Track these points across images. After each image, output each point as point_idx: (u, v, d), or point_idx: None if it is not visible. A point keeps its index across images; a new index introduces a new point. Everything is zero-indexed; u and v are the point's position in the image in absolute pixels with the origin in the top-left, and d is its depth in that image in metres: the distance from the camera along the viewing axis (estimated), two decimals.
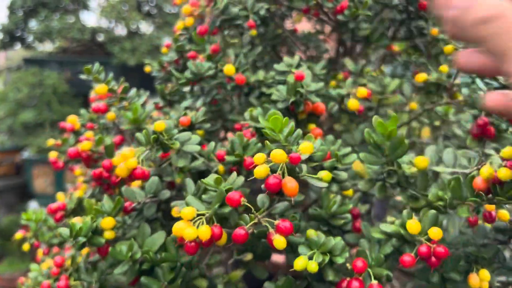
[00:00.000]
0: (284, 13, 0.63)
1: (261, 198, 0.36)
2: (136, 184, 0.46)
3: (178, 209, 0.39)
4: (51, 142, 0.64)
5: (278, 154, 0.31)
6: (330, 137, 0.43)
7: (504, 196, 0.36)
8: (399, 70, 0.71)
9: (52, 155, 0.64)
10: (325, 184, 0.33)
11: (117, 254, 0.39)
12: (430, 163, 0.42)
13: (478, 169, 0.38)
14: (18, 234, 0.66)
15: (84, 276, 0.48)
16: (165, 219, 0.47)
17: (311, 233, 0.33)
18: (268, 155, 0.32)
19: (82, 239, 0.39)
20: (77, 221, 0.41)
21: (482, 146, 0.46)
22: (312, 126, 0.44)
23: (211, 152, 0.44)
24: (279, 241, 0.32)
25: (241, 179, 0.37)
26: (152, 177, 0.44)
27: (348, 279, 0.33)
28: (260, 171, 0.32)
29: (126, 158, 0.39)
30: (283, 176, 0.32)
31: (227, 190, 0.34)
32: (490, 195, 0.37)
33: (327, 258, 0.32)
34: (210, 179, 0.36)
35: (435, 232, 0.34)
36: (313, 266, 0.31)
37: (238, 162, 0.41)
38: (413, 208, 0.40)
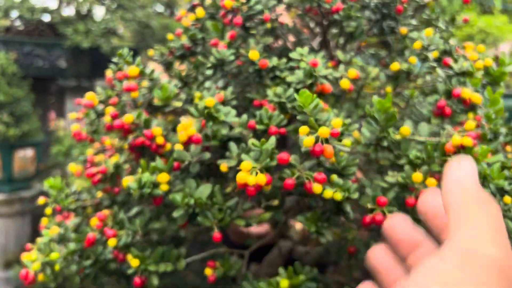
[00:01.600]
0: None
1: (294, 157, 0.48)
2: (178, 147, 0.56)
3: (225, 164, 0.50)
4: (73, 115, 0.71)
5: (325, 131, 0.43)
6: (334, 110, 0.55)
7: None
8: (369, 61, 0.85)
9: (75, 127, 0.71)
10: (347, 148, 0.46)
11: (176, 200, 0.49)
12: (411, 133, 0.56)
13: (447, 138, 0.53)
14: (41, 200, 0.72)
15: (128, 226, 0.57)
16: (204, 177, 0.58)
17: (334, 177, 0.46)
18: (310, 127, 0.44)
19: (147, 190, 0.49)
20: (131, 179, 0.51)
21: (442, 122, 0.61)
22: (321, 102, 0.56)
23: (244, 123, 0.54)
24: (318, 187, 0.44)
25: (273, 140, 0.48)
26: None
27: (369, 215, 0.46)
28: (308, 140, 0.43)
29: (186, 128, 0.49)
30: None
31: (272, 149, 0.45)
32: None
33: (346, 194, 0.45)
34: (255, 141, 0.47)
35: (432, 181, 0.48)
36: (340, 195, 0.44)
37: (266, 130, 0.52)
38: (397, 165, 0.54)
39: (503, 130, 0.71)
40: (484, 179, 0.58)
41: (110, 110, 0.68)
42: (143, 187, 0.49)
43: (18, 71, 2.61)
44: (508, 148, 0.71)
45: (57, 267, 0.65)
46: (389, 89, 0.69)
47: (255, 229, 0.88)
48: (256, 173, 0.44)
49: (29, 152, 2.69)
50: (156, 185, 0.50)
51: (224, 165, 0.49)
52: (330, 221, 0.49)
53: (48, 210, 0.72)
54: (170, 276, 0.60)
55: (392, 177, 0.50)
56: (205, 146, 0.55)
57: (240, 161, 0.45)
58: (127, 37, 3.17)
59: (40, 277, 0.65)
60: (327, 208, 0.49)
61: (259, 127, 0.52)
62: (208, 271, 0.55)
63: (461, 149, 0.51)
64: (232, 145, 0.50)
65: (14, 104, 2.51)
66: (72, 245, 0.65)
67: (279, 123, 0.53)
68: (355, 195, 0.46)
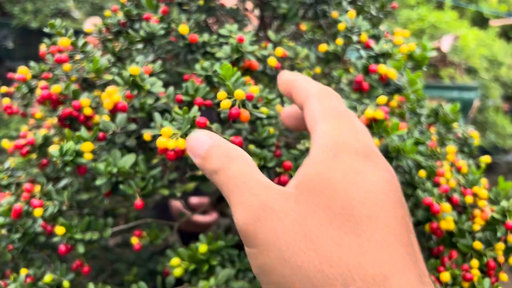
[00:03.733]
0: None
1: (216, 126, 0.50)
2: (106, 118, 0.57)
3: (148, 133, 0.51)
4: (3, 89, 0.70)
5: (240, 93, 0.45)
6: (260, 86, 0.58)
7: (377, 129, 0.54)
8: (309, 46, 0.88)
9: (5, 101, 0.70)
10: (264, 115, 0.48)
11: (99, 168, 0.50)
12: None
13: (362, 112, 0.56)
14: None
15: (55, 197, 0.58)
16: (133, 150, 0.58)
17: (252, 147, 0.48)
18: (229, 93, 0.46)
19: (69, 158, 0.49)
20: (56, 148, 0.51)
21: (360, 97, 0.64)
22: (247, 78, 0.58)
23: (171, 94, 0.56)
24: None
25: (196, 109, 0.49)
26: (120, 114, 0.55)
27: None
28: (225, 103, 0.45)
29: (111, 95, 0.50)
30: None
31: (193, 117, 0.47)
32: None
33: (262, 163, 0.48)
34: (178, 110, 0.48)
35: None
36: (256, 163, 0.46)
37: (191, 101, 0.53)
38: None
39: (424, 111, 0.76)
40: (398, 153, 0.62)
41: (42, 83, 0.67)
42: (65, 155, 0.49)
43: None
44: (432, 129, 0.76)
45: None
46: (318, 70, 0.72)
47: (203, 218, 0.90)
48: (177, 139, 0.45)
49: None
50: (79, 154, 0.51)
51: (147, 134, 0.50)
52: None
53: None
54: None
55: (302, 145, 0.53)
56: (132, 118, 0.56)
57: None
58: (80, 20, 3.08)
59: None
60: None
61: (185, 98, 0.54)
62: (134, 240, 0.56)
63: (373, 122, 0.54)
64: (157, 115, 0.51)
65: None
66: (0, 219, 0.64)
67: (204, 95, 0.55)
68: (271, 163, 0.48)
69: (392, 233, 0.25)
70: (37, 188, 0.61)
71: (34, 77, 0.72)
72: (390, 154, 0.62)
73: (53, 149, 0.50)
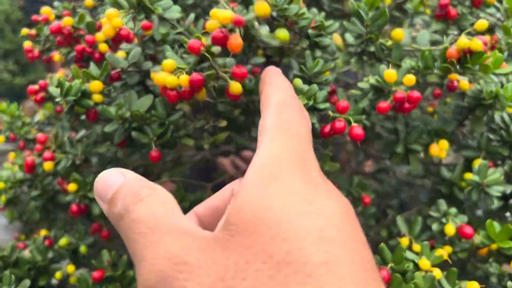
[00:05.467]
0: None
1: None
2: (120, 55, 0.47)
3: (156, 71, 0.40)
4: (25, 31, 0.62)
5: (225, 15, 0.31)
6: (314, 9, 0.45)
7: (473, 64, 0.40)
8: None
9: (27, 44, 0.63)
10: (277, 43, 0.35)
11: (108, 112, 0.40)
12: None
13: (451, 44, 0.42)
14: None
15: (69, 149, 0.50)
16: (148, 91, 0.48)
17: (298, 82, 0.36)
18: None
19: (71, 98, 0.40)
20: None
21: (445, 27, 0.49)
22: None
23: (191, 23, 0.44)
24: (235, 87, 0.33)
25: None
26: (134, 48, 0.45)
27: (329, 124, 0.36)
28: (211, 25, 0.32)
29: (111, 18, 0.39)
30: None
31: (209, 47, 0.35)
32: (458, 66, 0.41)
33: (310, 103, 0.35)
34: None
35: (410, 78, 0.38)
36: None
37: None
38: None
39: None
40: (494, 100, 0.47)
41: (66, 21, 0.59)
42: (67, 95, 0.40)
43: (23, 17, 2.54)
44: None
45: (3, 198, 0.58)
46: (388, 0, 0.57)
47: None
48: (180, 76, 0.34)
49: None
50: (87, 94, 0.42)
51: (154, 73, 0.40)
52: None
53: (1, 138, 0.65)
54: None
55: (365, 82, 0.40)
56: (150, 55, 0.46)
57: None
58: None
59: None
60: None
61: (209, 25, 0.42)
62: None
63: (467, 55, 0.40)
64: (167, 48, 0.40)
65: (19, 52, 2.45)
66: (20, 174, 0.58)
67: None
68: (323, 105, 0.36)
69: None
70: (48, 135, 0.53)
71: (58, 17, 0.64)
72: (484, 101, 0.48)
73: (52, 89, 0.40)
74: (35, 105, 0.78)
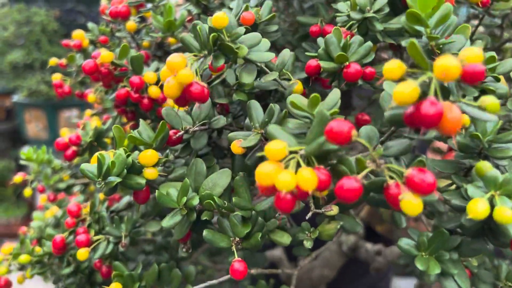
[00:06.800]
0: None
1: (366, 131, 0.24)
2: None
3: (239, 142, 0.27)
4: (53, 61, 0.51)
5: (451, 65, 0.19)
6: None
7: None
8: None
9: (56, 77, 0.51)
10: (493, 118, 0.21)
11: (166, 200, 0.27)
12: None
13: None
14: (17, 177, 0.54)
15: (109, 229, 0.37)
16: (215, 156, 0.35)
17: (486, 166, 0.22)
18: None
19: (115, 179, 0.27)
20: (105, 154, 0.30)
21: None
22: None
23: (285, 64, 0.31)
24: (412, 205, 0.20)
25: (338, 94, 0.25)
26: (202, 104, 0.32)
27: None
28: (405, 92, 0.19)
29: (176, 68, 0.26)
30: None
31: (332, 115, 0.22)
32: None
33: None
34: (299, 98, 0.24)
35: None
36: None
37: (334, 71, 0.28)
38: None
39: None
40: None
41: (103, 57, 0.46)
42: (107, 175, 0.27)
43: (59, 28, 2.49)
44: None
45: (27, 274, 0.47)
46: None
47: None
48: (297, 166, 0.21)
49: (74, 113, 2.61)
50: (136, 169, 0.29)
51: (236, 145, 0.27)
52: None
53: (27, 192, 0.54)
54: None
55: None
56: (221, 104, 0.32)
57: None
58: None
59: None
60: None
61: (325, 65, 0.28)
62: None
63: None
64: (254, 104, 0.27)
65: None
66: (47, 246, 0.46)
67: (361, 58, 0.29)
68: None
69: None
70: (83, 204, 0.41)
71: (92, 43, 0.52)
72: None
73: (86, 166, 0.28)
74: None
